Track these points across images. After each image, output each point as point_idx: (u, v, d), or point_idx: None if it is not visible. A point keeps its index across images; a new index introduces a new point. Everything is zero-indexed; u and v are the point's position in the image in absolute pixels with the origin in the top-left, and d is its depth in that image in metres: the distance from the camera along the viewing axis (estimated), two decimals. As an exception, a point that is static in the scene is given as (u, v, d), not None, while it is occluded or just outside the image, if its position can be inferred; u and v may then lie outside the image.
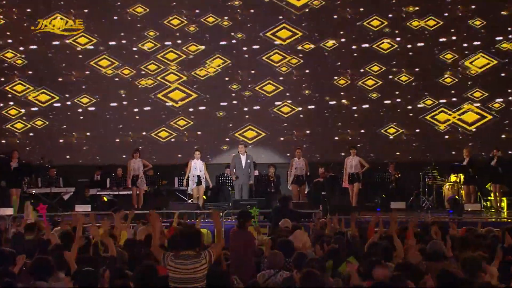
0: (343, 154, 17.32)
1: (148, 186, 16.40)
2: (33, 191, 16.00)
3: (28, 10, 17.72)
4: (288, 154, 17.31)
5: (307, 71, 18.29)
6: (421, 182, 16.53)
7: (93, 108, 18.35)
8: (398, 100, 18.21)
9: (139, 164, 15.57)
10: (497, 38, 17.97)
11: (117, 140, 18.44)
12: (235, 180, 15.53)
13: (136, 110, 18.39)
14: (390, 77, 18.18)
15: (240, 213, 8.65)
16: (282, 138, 18.32)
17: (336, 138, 18.19)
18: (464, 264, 6.12)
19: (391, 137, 18.28)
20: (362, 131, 18.21)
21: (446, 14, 17.97)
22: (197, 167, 15.38)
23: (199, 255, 5.93)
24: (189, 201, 15.88)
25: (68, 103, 18.34)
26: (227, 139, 18.35)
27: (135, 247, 7.42)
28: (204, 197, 15.49)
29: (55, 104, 18.33)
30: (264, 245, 8.84)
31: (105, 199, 16.73)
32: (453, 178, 16.00)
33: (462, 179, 15.70)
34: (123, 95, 18.41)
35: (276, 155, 18.27)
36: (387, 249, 6.85)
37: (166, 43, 18.37)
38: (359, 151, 16.25)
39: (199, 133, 18.20)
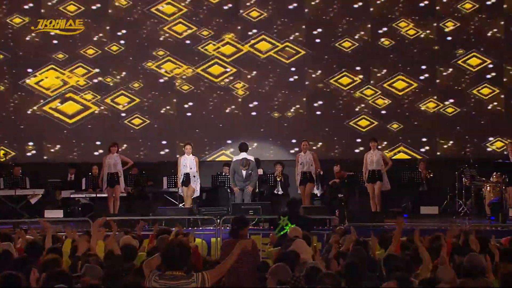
0: (361, 149, 17.35)
1: (130, 187, 16.38)
2: (-6, 194, 16.12)
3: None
4: (297, 149, 17.26)
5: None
6: (457, 182, 16.51)
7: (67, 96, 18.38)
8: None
9: (116, 160, 15.29)
10: None
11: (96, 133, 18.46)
12: (237, 191, 15.48)
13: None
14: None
15: (234, 219, 8.57)
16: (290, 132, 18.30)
17: (354, 129, 18.18)
18: (506, 280, 6.10)
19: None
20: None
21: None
22: (186, 163, 15.25)
23: (188, 276, 5.80)
24: (180, 205, 15.82)
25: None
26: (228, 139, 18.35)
27: (115, 260, 7.41)
28: (198, 200, 15.40)
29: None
30: (268, 254, 8.86)
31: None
32: (495, 178, 15.97)
33: (506, 180, 15.65)
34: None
35: (284, 150, 18.25)
36: (408, 261, 6.84)
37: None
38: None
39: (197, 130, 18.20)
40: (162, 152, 18.26)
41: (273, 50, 18.25)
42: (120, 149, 15.88)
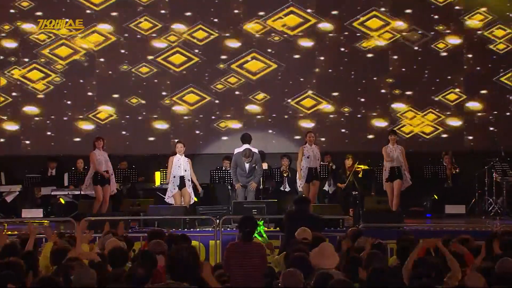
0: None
1: (118, 184, 16.33)
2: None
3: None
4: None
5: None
6: (486, 178, 16.50)
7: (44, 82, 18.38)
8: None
9: (105, 157, 15.16)
10: None
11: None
12: (239, 188, 15.43)
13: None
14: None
15: (242, 220, 8.55)
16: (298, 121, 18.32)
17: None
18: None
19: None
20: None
21: None
22: (181, 165, 14.92)
23: None
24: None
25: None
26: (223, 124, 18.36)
27: (102, 266, 7.39)
28: (196, 199, 15.30)
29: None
30: (274, 264, 8.82)
31: (62, 201, 16.78)
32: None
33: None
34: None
35: (291, 142, 18.24)
36: (437, 266, 6.81)
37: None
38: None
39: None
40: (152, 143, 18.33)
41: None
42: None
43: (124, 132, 18.39)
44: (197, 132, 18.35)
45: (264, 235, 9.96)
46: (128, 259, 7.82)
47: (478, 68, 18.17)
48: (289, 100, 18.24)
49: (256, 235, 9.91)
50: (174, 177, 14.85)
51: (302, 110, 18.27)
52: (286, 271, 6.82)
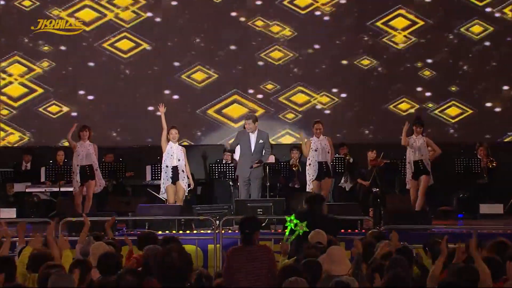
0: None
1: (106, 180, 16.31)
2: None
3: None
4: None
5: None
6: (528, 173, 16.57)
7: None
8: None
9: (89, 150, 15.05)
10: None
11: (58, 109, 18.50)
12: (233, 160, 15.27)
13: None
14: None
15: (243, 221, 8.54)
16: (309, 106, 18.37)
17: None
18: None
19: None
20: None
21: None
22: (174, 154, 14.85)
23: None
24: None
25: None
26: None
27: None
28: (187, 194, 15.21)
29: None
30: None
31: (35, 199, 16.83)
32: None
33: None
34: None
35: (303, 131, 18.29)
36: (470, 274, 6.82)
37: None
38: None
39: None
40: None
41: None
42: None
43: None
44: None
45: (293, 237, 9.92)
46: (121, 266, 7.82)
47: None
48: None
49: (291, 225, 9.95)
50: (167, 166, 14.78)
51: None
52: (288, 280, 6.82)
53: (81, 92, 18.58)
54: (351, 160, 16.64)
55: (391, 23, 18.55)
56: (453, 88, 18.40)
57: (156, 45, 18.62)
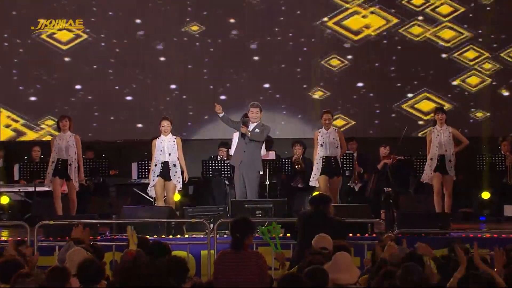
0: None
1: (87, 179, 16.46)
2: None
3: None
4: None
5: None
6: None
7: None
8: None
9: (68, 142, 14.92)
10: None
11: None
12: (229, 156, 15.32)
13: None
14: None
15: (234, 223, 8.63)
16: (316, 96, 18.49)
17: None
18: None
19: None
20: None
21: None
22: (164, 147, 14.81)
23: None
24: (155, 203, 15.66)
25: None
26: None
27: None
28: (178, 196, 15.22)
29: None
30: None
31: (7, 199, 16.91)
32: None
33: None
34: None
35: (306, 124, 18.44)
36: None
37: None
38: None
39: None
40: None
41: None
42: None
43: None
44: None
45: (278, 241, 10.03)
46: (104, 274, 7.89)
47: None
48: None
49: (266, 237, 10.05)
50: (156, 165, 14.75)
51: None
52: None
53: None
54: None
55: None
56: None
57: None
